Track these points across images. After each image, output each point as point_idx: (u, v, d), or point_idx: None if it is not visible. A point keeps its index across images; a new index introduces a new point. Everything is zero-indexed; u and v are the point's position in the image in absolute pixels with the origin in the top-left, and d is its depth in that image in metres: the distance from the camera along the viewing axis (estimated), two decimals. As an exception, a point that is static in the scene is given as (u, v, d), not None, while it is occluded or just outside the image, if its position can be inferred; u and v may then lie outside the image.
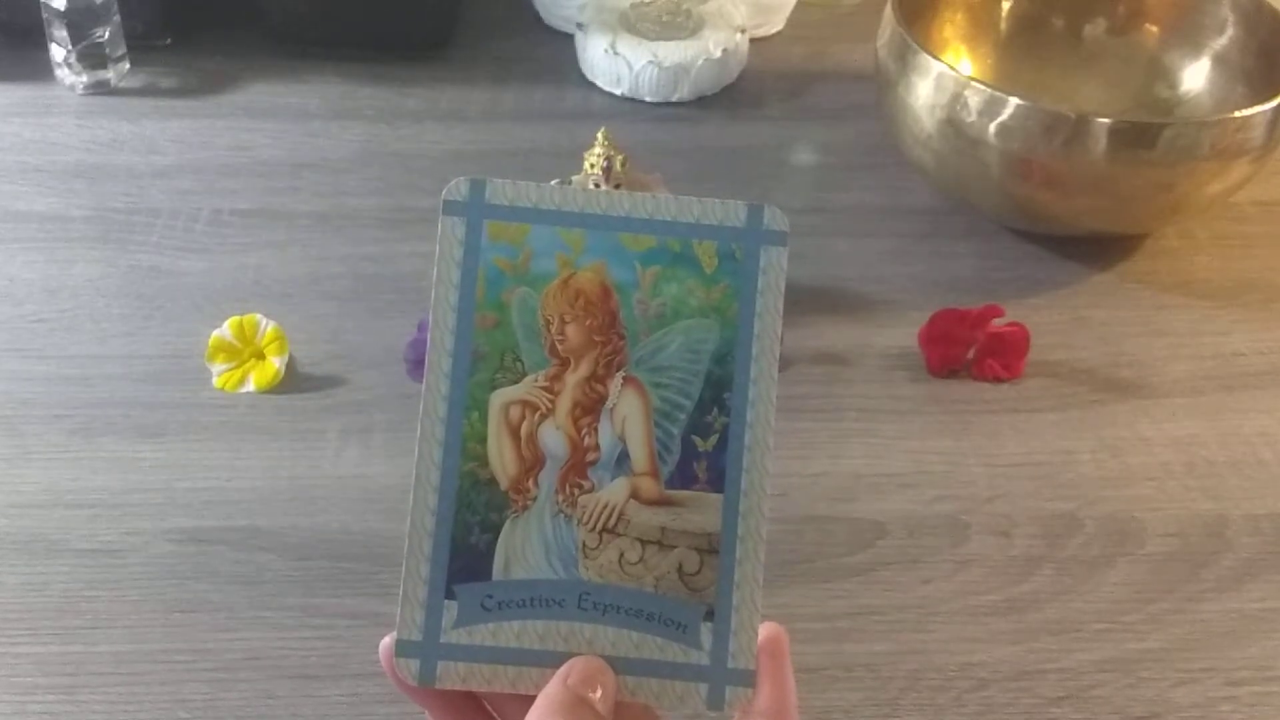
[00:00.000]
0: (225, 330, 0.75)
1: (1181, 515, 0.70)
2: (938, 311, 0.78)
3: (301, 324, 0.78)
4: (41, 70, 0.98)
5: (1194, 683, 0.62)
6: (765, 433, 0.42)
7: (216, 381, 0.74)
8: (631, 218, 0.43)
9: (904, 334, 0.79)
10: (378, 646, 0.41)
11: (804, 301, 0.82)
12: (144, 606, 0.63)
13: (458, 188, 0.43)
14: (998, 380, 0.77)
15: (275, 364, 0.74)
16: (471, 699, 0.43)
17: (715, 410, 0.42)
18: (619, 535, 0.42)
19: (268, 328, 0.75)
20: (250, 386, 0.74)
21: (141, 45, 1.01)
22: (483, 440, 0.42)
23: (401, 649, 0.41)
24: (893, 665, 0.62)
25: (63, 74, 0.97)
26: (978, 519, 0.69)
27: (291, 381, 0.75)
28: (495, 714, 0.43)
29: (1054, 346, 0.80)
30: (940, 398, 0.76)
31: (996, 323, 0.78)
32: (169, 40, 1.03)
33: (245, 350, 0.75)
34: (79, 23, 0.95)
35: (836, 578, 0.66)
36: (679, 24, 1.02)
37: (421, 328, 0.75)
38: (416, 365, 0.74)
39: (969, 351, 0.78)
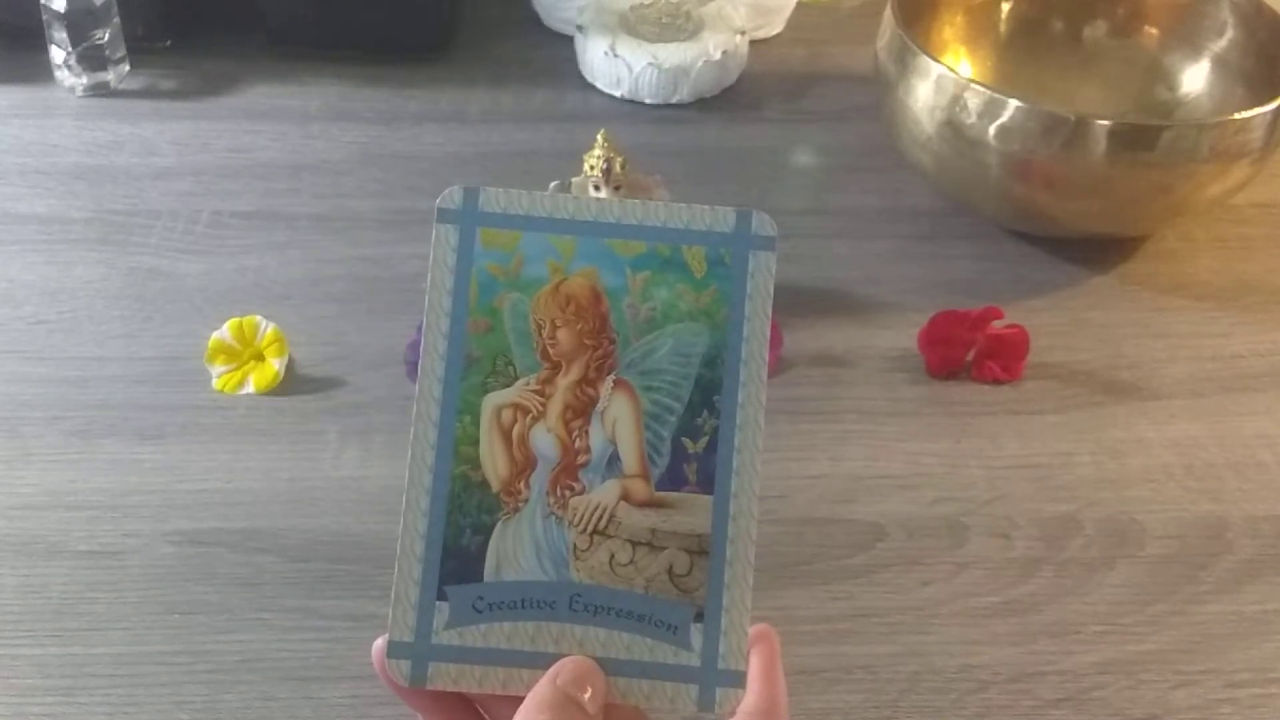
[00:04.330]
0: (225, 332, 0.75)
1: (1181, 517, 0.70)
2: (937, 313, 0.78)
3: (301, 326, 0.78)
4: (41, 72, 0.98)
5: (1193, 685, 0.62)
6: (755, 434, 0.43)
7: (216, 383, 0.74)
8: (621, 224, 0.44)
9: (903, 336, 0.79)
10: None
11: (804, 303, 0.82)
12: (143, 608, 0.63)
13: (451, 196, 0.44)
14: (997, 382, 0.77)
15: (275, 366, 0.75)
16: (462, 700, 0.43)
17: (705, 413, 0.43)
18: (609, 537, 0.42)
19: (267, 329, 0.75)
20: (250, 388, 0.74)
21: (141, 47, 1.01)
22: (475, 443, 0.43)
23: (393, 650, 0.41)
24: (892, 667, 0.62)
25: (62, 76, 0.97)
26: (977, 521, 0.69)
27: (291, 383, 0.75)
28: (486, 715, 0.43)
29: (1053, 348, 0.80)
30: (940, 399, 0.76)
31: (996, 324, 0.77)
32: (169, 42, 1.03)
33: (245, 352, 0.75)
34: (79, 24, 0.95)
35: (836, 579, 0.66)
36: (679, 26, 1.02)
37: (421, 330, 0.75)
38: (416, 367, 0.73)
39: (968, 353, 0.78)
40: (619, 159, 0.77)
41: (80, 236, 0.85)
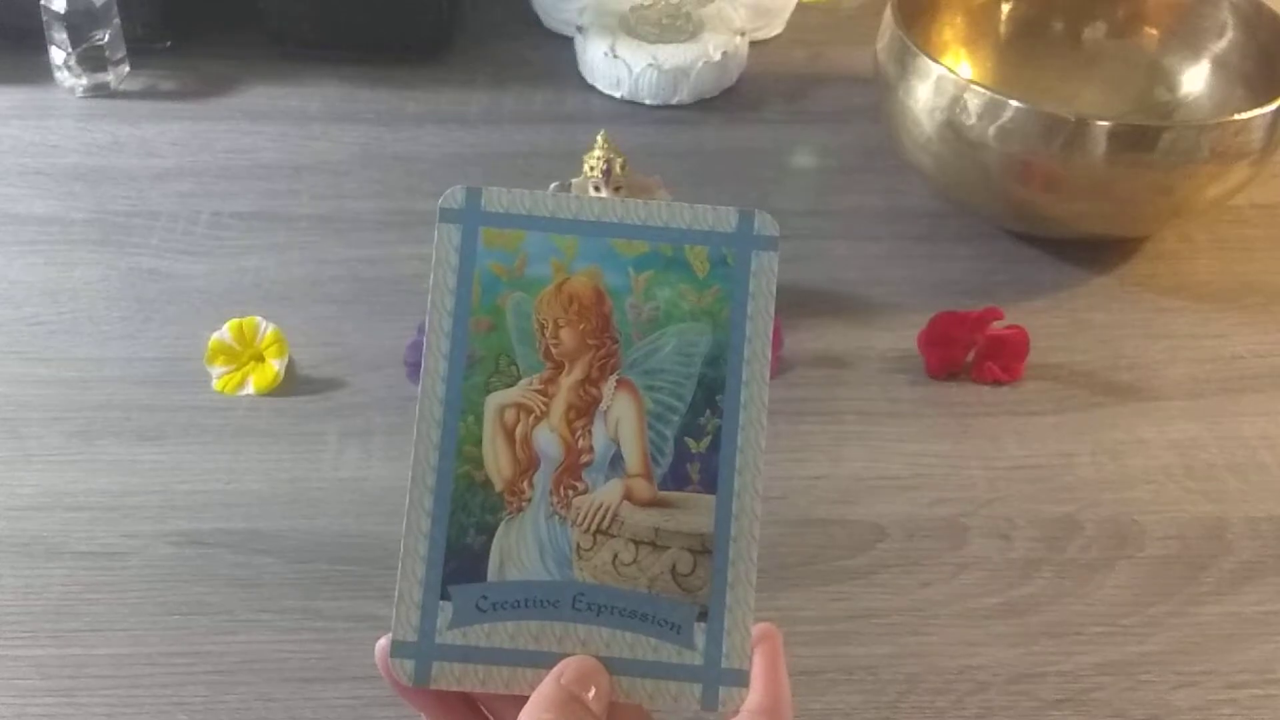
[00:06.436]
0: (225, 333, 0.75)
1: (1181, 518, 0.70)
2: (937, 314, 0.78)
3: (301, 326, 0.78)
4: (41, 73, 0.98)
5: (1193, 686, 0.62)
6: (757, 434, 0.43)
7: (216, 384, 0.74)
8: (624, 224, 0.44)
9: (903, 337, 0.79)
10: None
11: (804, 304, 0.82)
12: (143, 609, 0.63)
13: (454, 196, 0.44)
14: (997, 383, 0.77)
15: (275, 366, 0.75)
16: (466, 700, 0.43)
17: (708, 412, 0.43)
18: (613, 536, 0.42)
19: (267, 330, 0.75)
20: (250, 389, 0.74)
21: (141, 48, 1.01)
22: (478, 443, 0.43)
23: (396, 649, 0.41)
24: (892, 668, 0.62)
25: (62, 76, 0.97)
26: (977, 522, 0.69)
27: (291, 384, 0.75)
28: (489, 715, 0.43)
29: (1053, 349, 0.80)
30: (940, 400, 0.76)
31: (996, 325, 0.78)
32: (169, 43, 1.03)
33: (245, 353, 0.75)
34: (79, 25, 0.95)
35: (836, 580, 0.66)
36: (679, 27, 1.02)
37: (421, 330, 0.75)
38: (416, 368, 0.73)
39: (968, 354, 0.78)
40: (619, 160, 0.77)
41: (80, 237, 0.85)
